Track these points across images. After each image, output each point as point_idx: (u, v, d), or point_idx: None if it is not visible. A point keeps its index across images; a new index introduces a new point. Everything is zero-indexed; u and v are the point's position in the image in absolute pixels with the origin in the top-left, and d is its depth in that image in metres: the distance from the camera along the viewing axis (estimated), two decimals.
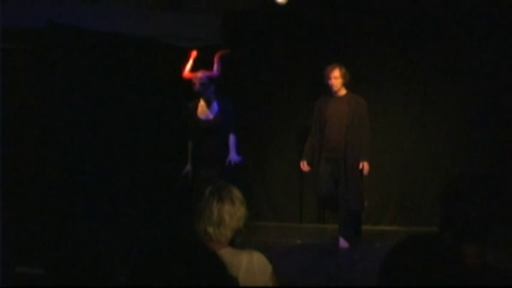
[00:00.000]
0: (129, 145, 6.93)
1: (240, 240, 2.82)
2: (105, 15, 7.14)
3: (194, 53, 6.24)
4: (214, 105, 6.10)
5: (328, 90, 6.56)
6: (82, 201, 6.30)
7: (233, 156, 6.01)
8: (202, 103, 6.13)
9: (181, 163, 6.36)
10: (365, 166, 6.42)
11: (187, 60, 6.19)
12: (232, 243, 2.79)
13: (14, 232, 5.55)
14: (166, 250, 1.44)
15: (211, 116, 6.09)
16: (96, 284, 5.17)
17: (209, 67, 6.11)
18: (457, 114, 7.44)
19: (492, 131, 7.27)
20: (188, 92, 6.18)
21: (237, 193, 2.80)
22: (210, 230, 2.71)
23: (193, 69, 6.14)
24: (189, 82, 6.09)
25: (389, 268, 1.51)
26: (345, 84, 6.52)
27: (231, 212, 2.73)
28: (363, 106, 6.53)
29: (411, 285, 1.46)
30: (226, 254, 2.62)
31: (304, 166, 6.69)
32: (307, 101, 6.88)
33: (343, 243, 6.54)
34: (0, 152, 5.27)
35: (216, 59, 6.08)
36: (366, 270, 5.48)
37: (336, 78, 6.46)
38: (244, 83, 8.08)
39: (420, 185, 7.47)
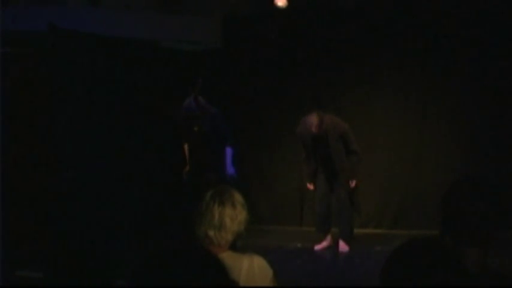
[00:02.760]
0: (130, 148, 6.93)
1: (241, 244, 2.82)
2: (106, 19, 7.15)
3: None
4: (206, 119, 6.19)
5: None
6: (83, 205, 6.30)
7: (230, 169, 6.09)
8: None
9: (182, 165, 6.38)
10: (353, 184, 6.68)
11: None
12: (233, 247, 2.79)
13: (15, 236, 5.55)
14: (167, 254, 1.43)
15: (203, 128, 6.19)
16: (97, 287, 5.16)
17: (209, 71, 6.13)
18: (458, 118, 7.44)
19: (494, 134, 7.27)
20: (187, 95, 6.20)
21: (238, 197, 2.80)
22: (211, 233, 2.71)
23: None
24: (187, 84, 6.13)
25: (390, 272, 1.51)
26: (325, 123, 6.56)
27: (232, 216, 2.73)
28: (342, 130, 6.62)
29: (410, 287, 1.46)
30: (227, 257, 2.61)
31: (311, 186, 6.86)
32: (308, 105, 6.90)
33: (343, 246, 6.57)
34: (1, 155, 5.28)
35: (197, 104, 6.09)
36: (366, 274, 5.48)
37: (317, 126, 6.51)
38: (244, 86, 8.08)
39: (420, 188, 7.46)
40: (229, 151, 6.17)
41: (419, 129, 7.61)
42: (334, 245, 6.69)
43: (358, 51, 7.71)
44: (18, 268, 5.44)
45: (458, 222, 2.03)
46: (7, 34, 5.52)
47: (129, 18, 7.43)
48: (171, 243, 1.48)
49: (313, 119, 6.51)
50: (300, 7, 7.72)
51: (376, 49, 7.66)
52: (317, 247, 6.70)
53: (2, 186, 5.21)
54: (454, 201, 2.06)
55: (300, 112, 7.25)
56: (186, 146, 6.35)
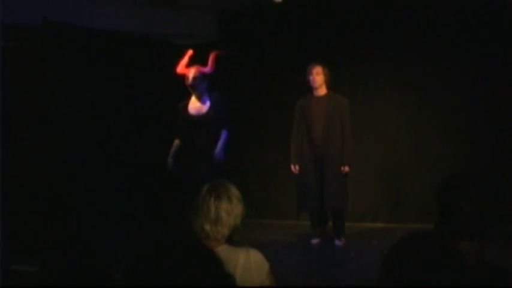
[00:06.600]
0: (126, 142, 6.92)
1: (237, 238, 2.82)
2: (101, 13, 7.13)
3: (190, 52, 6.29)
4: (206, 101, 6.11)
5: (310, 88, 6.54)
6: (80, 199, 6.30)
7: (217, 152, 5.96)
8: (193, 99, 6.13)
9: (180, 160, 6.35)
10: (345, 169, 6.41)
11: (182, 57, 6.22)
12: (229, 241, 2.78)
13: (12, 230, 5.54)
14: (163, 248, 1.43)
15: (203, 111, 6.09)
16: (93, 282, 5.14)
17: (204, 64, 6.13)
18: (453, 112, 7.44)
19: (489, 128, 7.27)
20: (182, 90, 6.17)
21: (234, 190, 2.80)
22: (207, 227, 2.71)
23: (188, 66, 6.18)
24: (182, 79, 6.10)
25: (389, 266, 1.51)
26: (326, 83, 6.50)
27: (228, 210, 2.73)
28: (344, 106, 6.47)
29: (411, 283, 1.45)
30: (223, 251, 2.61)
31: (295, 169, 6.65)
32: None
33: (338, 241, 6.55)
34: (0, 149, 5.27)
35: (211, 57, 6.12)
36: (362, 268, 5.48)
37: (318, 74, 6.43)
38: (239, 80, 8.07)
39: (416, 182, 7.45)
40: (224, 134, 6.06)
41: (415, 122, 7.61)
42: (330, 239, 6.66)
43: (354, 45, 7.70)
44: (14, 262, 5.42)
45: (454, 215, 2.03)
46: (2, 27, 5.49)
47: (124, 12, 7.41)
48: (167, 238, 1.47)
49: (316, 67, 6.40)
50: (296, 1, 7.70)
51: (372, 42, 7.65)
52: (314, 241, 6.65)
53: (1, 184, 5.20)
54: (449, 195, 2.06)
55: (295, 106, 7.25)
56: (176, 141, 6.25)
